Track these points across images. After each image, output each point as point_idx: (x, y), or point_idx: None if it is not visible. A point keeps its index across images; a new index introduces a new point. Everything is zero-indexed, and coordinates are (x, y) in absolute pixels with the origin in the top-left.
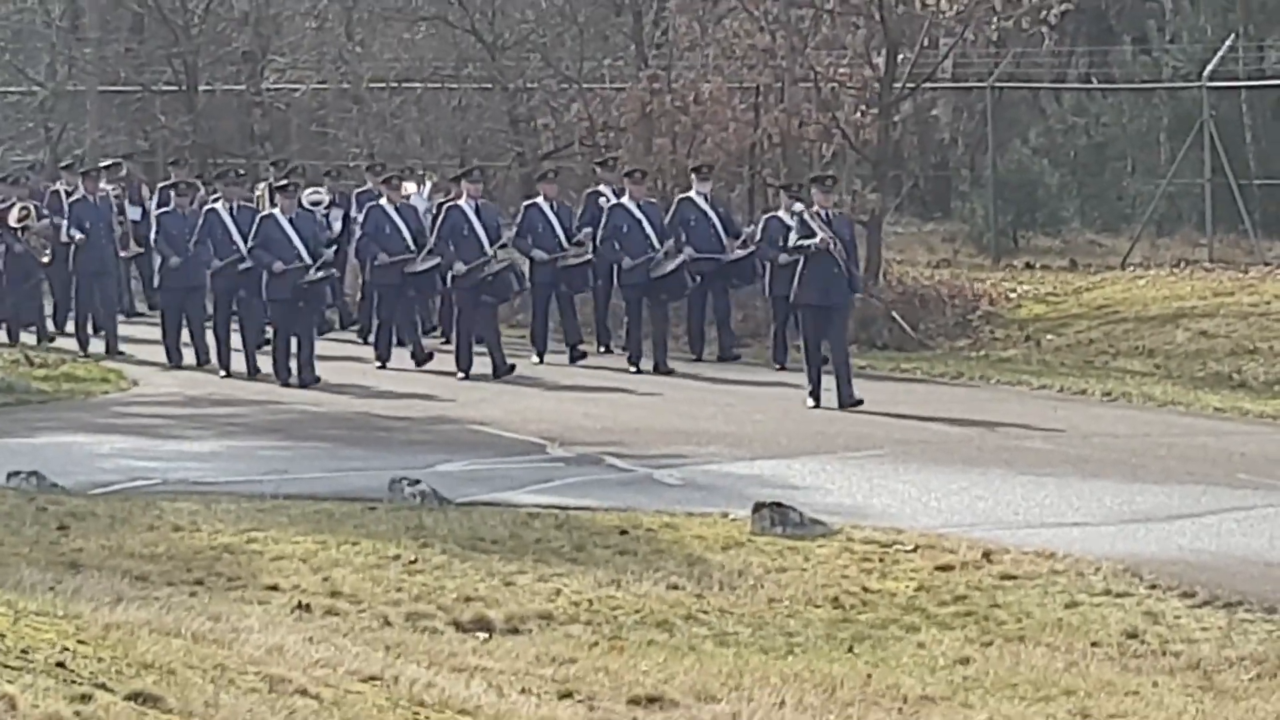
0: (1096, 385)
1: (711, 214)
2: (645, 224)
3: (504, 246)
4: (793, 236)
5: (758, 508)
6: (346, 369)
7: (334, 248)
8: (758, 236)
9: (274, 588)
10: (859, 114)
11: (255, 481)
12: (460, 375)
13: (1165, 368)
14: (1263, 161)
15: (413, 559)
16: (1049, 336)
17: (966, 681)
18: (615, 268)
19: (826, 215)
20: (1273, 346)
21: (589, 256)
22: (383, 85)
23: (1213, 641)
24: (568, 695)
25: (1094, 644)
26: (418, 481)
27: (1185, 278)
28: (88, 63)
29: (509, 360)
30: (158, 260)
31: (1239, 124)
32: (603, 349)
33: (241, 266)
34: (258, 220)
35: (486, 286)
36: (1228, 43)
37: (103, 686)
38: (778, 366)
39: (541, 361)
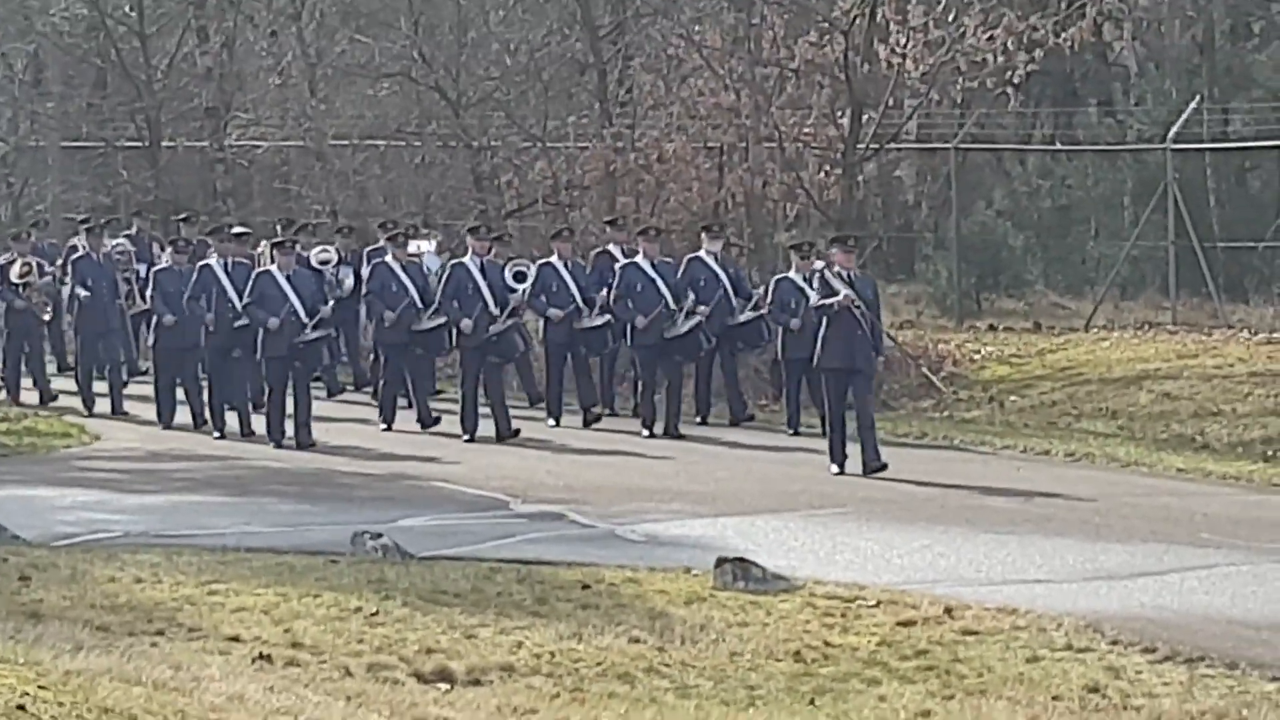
0: (1060, 446)
1: (721, 274)
2: (659, 283)
3: (514, 311)
4: (814, 297)
5: (720, 563)
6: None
7: (330, 305)
8: (768, 299)
9: (235, 639)
10: (823, 174)
11: (217, 535)
12: (465, 438)
13: (1129, 429)
14: (1226, 225)
15: (374, 611)
16: (1012, 398)
17: None
18: (628, 328)
19: (849, 275)
20: (1236, 408)
21: (608, 318)
22: (346, 142)
23: (1174, 696)
24: None
25: (1055, 698)
26: (380, 535)
27: (1149, 340)
28: (50, 118)
29: (514, 424)
30: (153, 318)
31: (1203, 187)
32: (608, 411)
33: (237, 325)
34: (254, 277)
35: (491, 346)
36: (1192, 106)
37: None
38: (792, 432)
39: (558, 424)
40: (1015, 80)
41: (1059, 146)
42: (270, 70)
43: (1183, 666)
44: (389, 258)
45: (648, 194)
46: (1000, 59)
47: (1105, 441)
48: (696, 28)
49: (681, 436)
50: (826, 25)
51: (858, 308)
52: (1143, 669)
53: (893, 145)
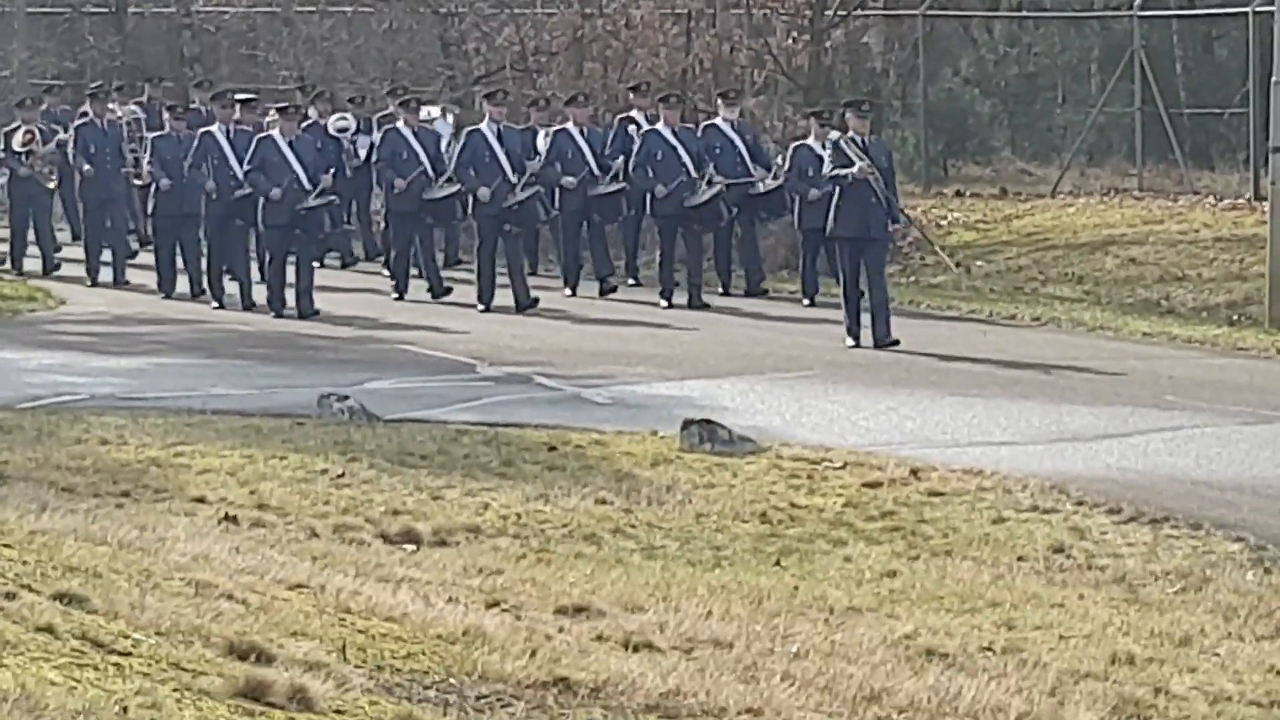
0: (1026, 311)
1: (738, 141)
2: (680, 151)
3: (532, 177)
4: (828, 166)
5: (686, 425)
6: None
7: (335, 172)
8: (786, 167)
9: (201, 500)
10: (790, 40)
11: (183, 397)
12: (481, 308)
13: (1094, 294)
14: (1193, 92)
15: (340, 473)
16: (979, 263)
17: (893, 594)
18: (648, 196)
19: (863, 142)
20: (1201, 274)
21: (623, 185)
22: (313, 9)
23: (1138, 556)
24: (494, 605)
25: (1020, 558)
26: (346, 398)
27: (1115, 205)
28: None
29: (532, 293)
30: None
31: (1169, 55)
32: (632, 281)
33: (238, 194)
34: (255, 143)
35: (511, 215)
36: None
37: (27, 587)
38: (807, 302)
39: (574, 294)
40: None
41: (1026, 13)
42: None
43: (1147, 527)
44: (400, 124)
45: (615, 60)
46: None
47: (1071, 306)
48: None
49: (706, 306)
50: None
51: (873, 175)
52: (1107, 529)
53: (860, 12)
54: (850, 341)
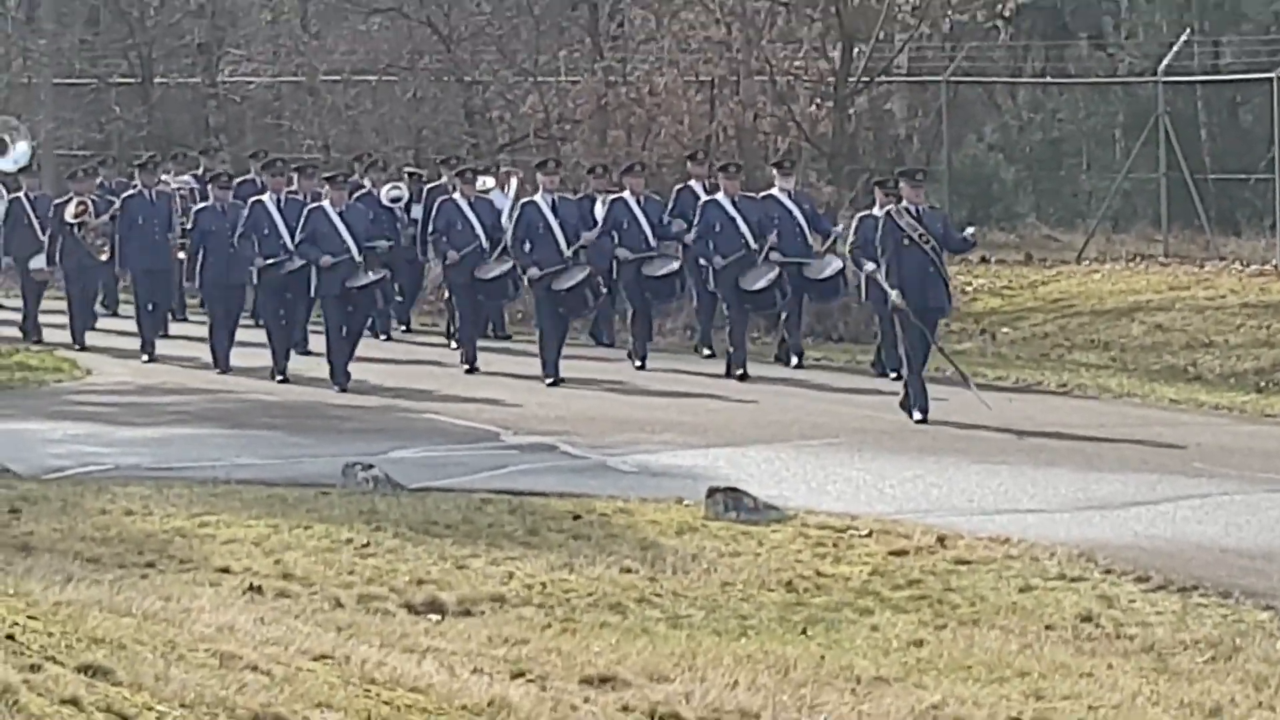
0: (1052, 377)
1: (796, 211)
2: (740, 222)
3: (583, 248)
4: (878, 239)
5: (712, 493)
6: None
7: (389, 243)
8: (849, 238)
9: (226, 570)
10: (814, 107)
11: (208, 467)
12: (549, 381)
13: (1121, 360)
14: (1217, 157)
15: (365, 543)
16: (1004, 329)
17: (920, 663)
18: (709, 268)
19: (917, 211)
20: (1227, 339)
21: (676, 266)
22: (338, 78)
23: (1167, 625)
24: (520, 675)
25: (1048, 627)
26: (371, 466)
27: (1141, 272)
28: (43, 55)
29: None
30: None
31: (1194, 120)
32: (708, 353)
33: (289, 267)
34: (306, 213)
35: (561, 299)
36: (1183, 38)
37: (52, 659)
38: (895, 375)
39: (643, 367)
40: (1006, 13)
41: (1050, 80)
42: (262, 6)
43: (1176, 595)
44: (456, 195)
45: (639, 128)
46: None
47: (1098, 373)
48: None
49: (746, 376)
50: None
51: (929, 246)
52: (1136, 598)
53: (884, 79)
54: (917, 415)
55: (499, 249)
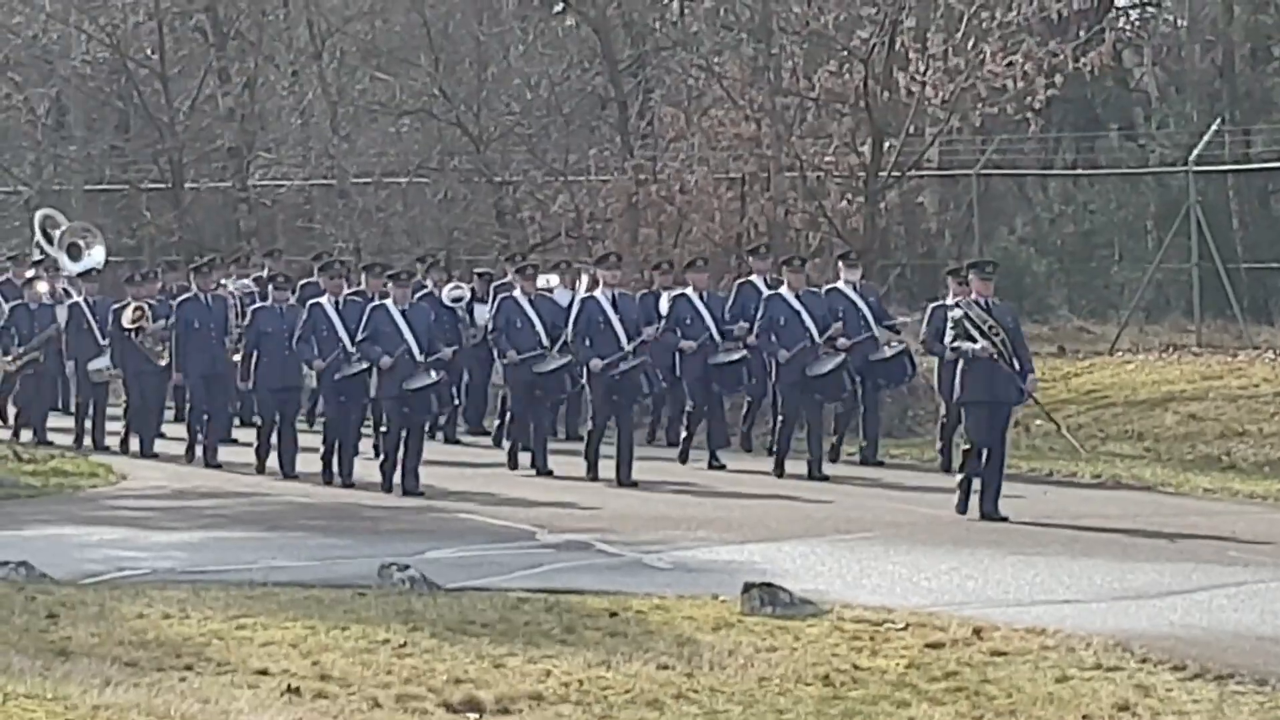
0: (1086, 469)
1: (861, 304)
2: (804, 316)
3: (643, 343)
4: (949, 336)
5: (747, 588)
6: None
7: (455, 350)
8: (922, 328)
9: (264, 672)
10: (845, 202)
11: (243, 569)
12: (590, 476)
13: (1155, 450)
14: (1249, 246)
15: (402, 643)
16: (1038, 422)
17: None
18: (771, 362)
19: (986, 304)
20: (1261, 428)
21: (743, 352)
22: (368, 179)
23: (1204, 714)
24: None
25: (1085, 717)
26: (407, 567)
27: (1174, 362)
28: (73, 161)
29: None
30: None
31: (1225, 210)
32: (746, 449)
33: (350, 372)
34: (368, 312)
35: (615, 386)
36: (1213, 128)
37: None
38: (960, 476)
39: (715, 464)
40: (1036, 106)
41: (1081, 171)
42: (292, 110)
43: (1213, 684)
44: (517, 292)
45: (670, 225)
46: (1020, 85)
47: (1131, 464)
48: (716, 59)
49: (826, 478)
50: (846, 54)
51: (994, 352)
52: (1173, 687)
53: (914, 173)
54: (961, 509)
55: (560, 343)
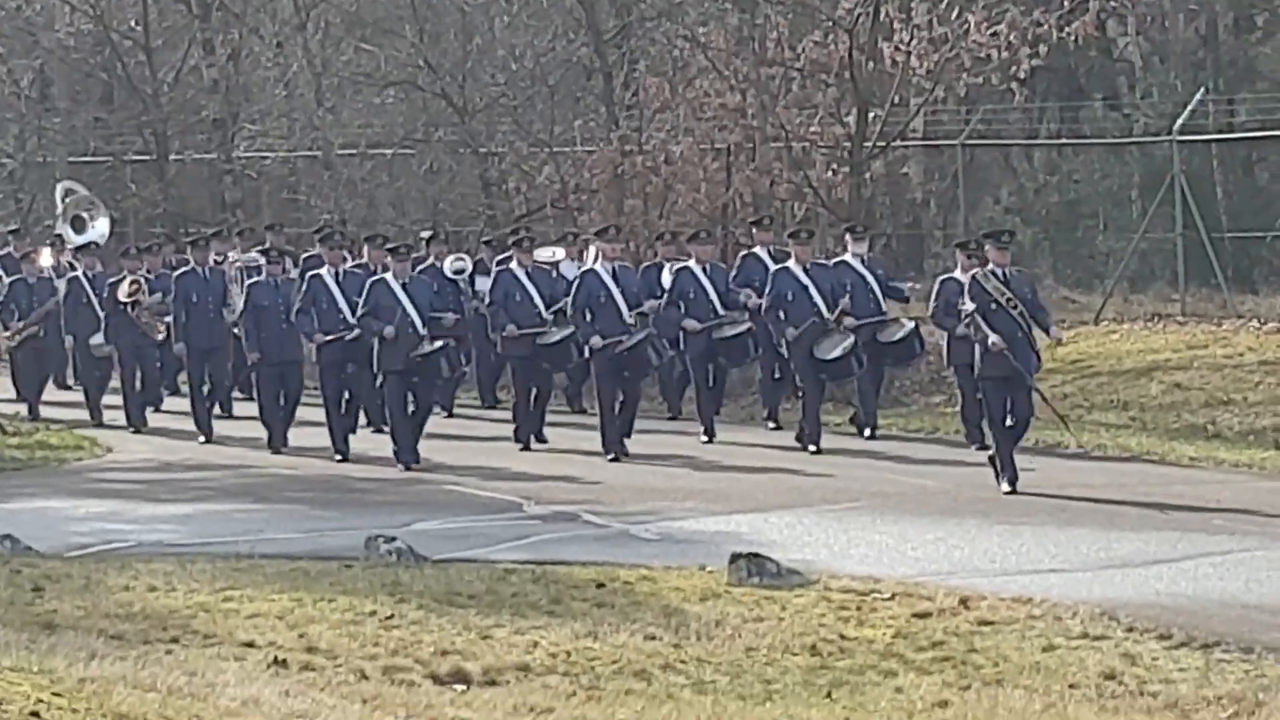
0: (1071, 438)
1: (869, 277)
2: (812, 290)
3: (644, 315)
4: (966, 304)
5: (734, 559)
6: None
7: (457, 317)
8: (931, 301)
9: (250, 644)
10: (830, 173)
11: (230, 542)
12: (610, 456)
13: (1140, 420)
14: (1234, 215)
15: (389, 614)
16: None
17: None
18: (780, 337)
19: (1004, 275)
20: (1246, 397)
21: (748, 325)
22: (353, 151)
23: (1190, 681)
24: None
25: (1072, 686)
26: (394, 539)
27: (1159, 331)
28: (57, 133)
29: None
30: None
31: (1209, 178)
32: (773, 425)
33: (349, 337)
34: (368, 285)
35: (623, 362)
36: (1197, 97)
37: None
38: (977, 448)
39: (711, 440)
40: (1020, 76)
41: (1065, 141)
42: (276, 81)
43: (1198, 652)
44: (514, 264)
45: (655, 196)
46: (1004, 55)
47: (1117, 433)
48: (701, 30)
49: (819, 451)
50: (830, 24)
51: (1017, 312)
52: (1159, 655)
53: (899, 143)
54: (1006, 487)
55: (556, 311)
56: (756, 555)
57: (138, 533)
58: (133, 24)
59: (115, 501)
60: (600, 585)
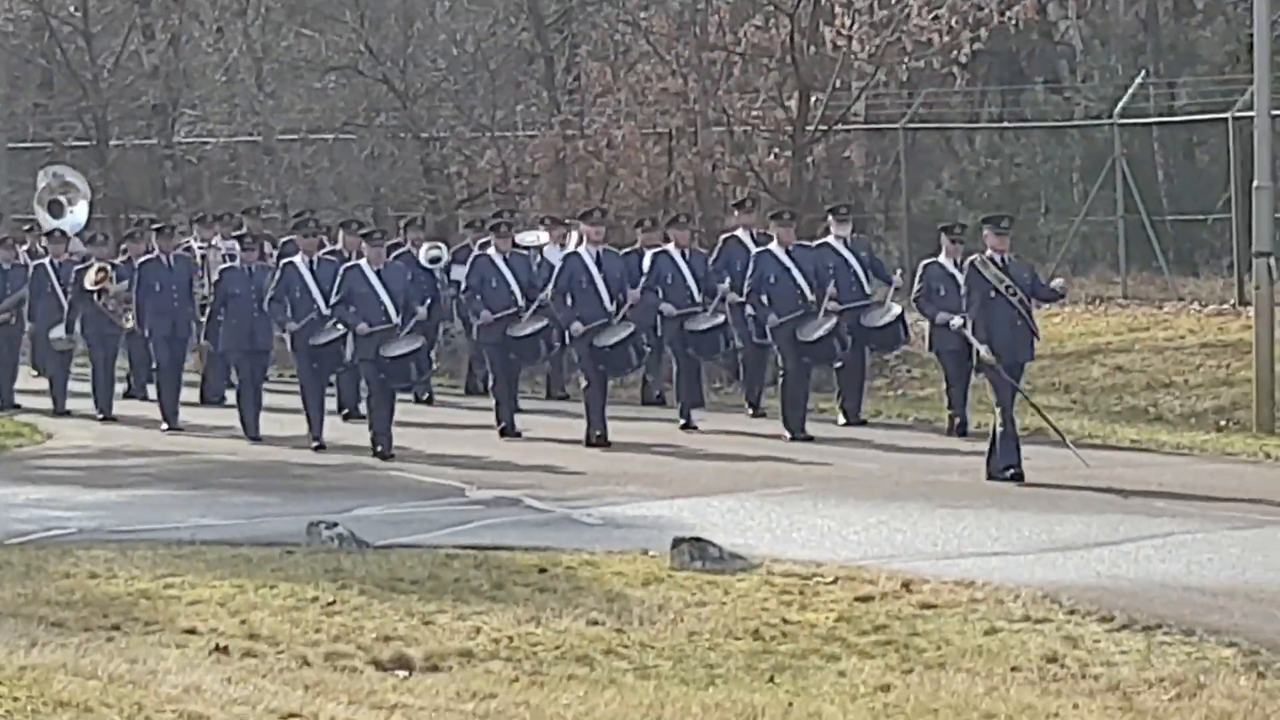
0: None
1: (853, 260)
2: (795, 273)
3: (631, 307)
4: (966, 289)
5: (677, 544)
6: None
7: (428, 303)
8: (915, 285)
9: (192, 631)
10: (772, 156)
11: (172, 528)
12: (597, 435)
13: (1082, 402)
14: (1174, 198)
15: (331, 600)
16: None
17: (887, 708)
18: (761, 323)
19: (1002, 261)
20: (1187, 380)
21: (721, 319)
22: (294, 136)
23: (1132, 664)
24: None
25: (1014, 668)
26: (335, 525)
27: (1100, 314)
28: None
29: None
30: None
31: (1150, 161)
32: (754, 412)
33: (322, 340)
34: (341, 273)
35: (603, 357)
36: (1137, 81)
37: None
38: (956, 435)
39: (689, 428)
40: (961, 60)
41: (1007, 124)
42: (217, 66)
43: (1140, 634)
44: (491, 250)
45: (597, 180)
46: (946, 39)
47: (1059, 415)
48: (642, 14)
49: (810, 439)
50: (772, 8)
51: (1017, 299)
52: (1100, 638)
53: (841, 127)
54: (1007, 473)
55: (535, 306)
56: (699, 540)
57: (78, 519)
58: (72, 9)
59: (55, 488)
60: (542, 570)
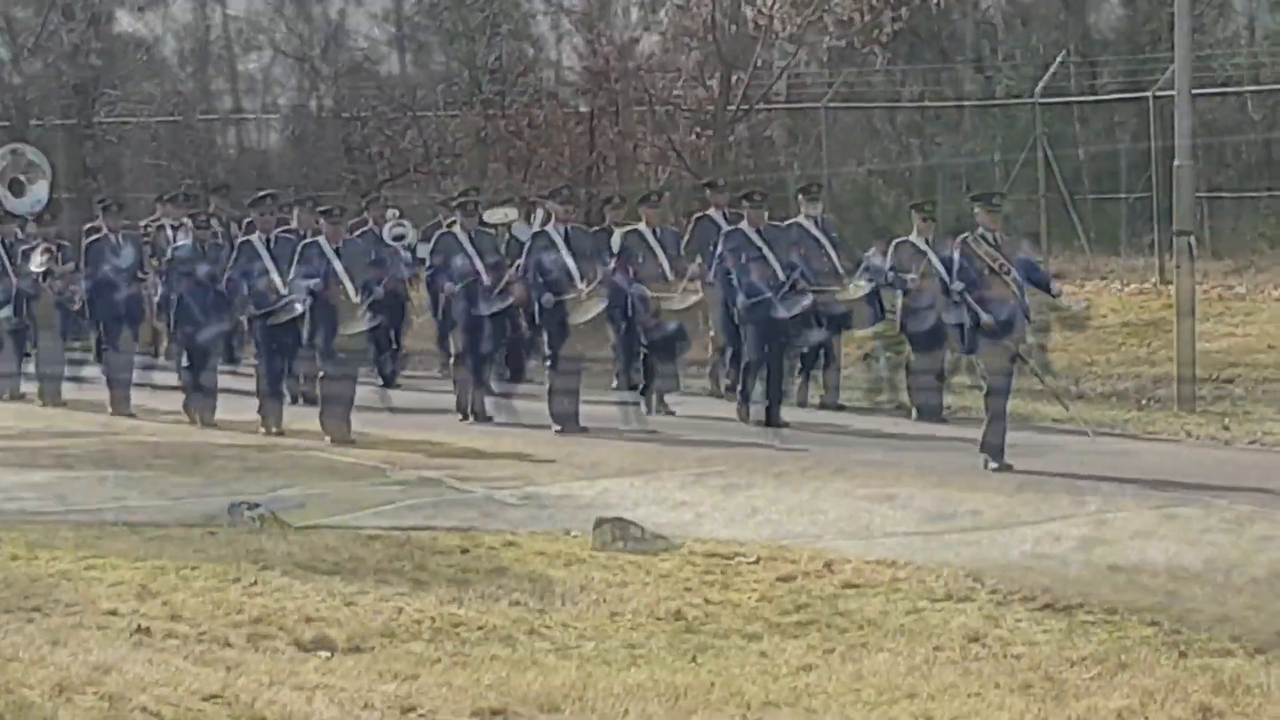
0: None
1: (823, 239)
2: (766, 253)
3: (600, 284)
4: (958, 269)
5: (599, 524)
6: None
7: (383, 282)
8: (886, 264)
9: (113, 612)
10: (694, 136)
11: (93, 510)
12: (557, 429)
13: None
14: (1095, 178)
15: (253, 581)
16: (888, 354)
17: (809, 688)
18: (732, 303)
19: (994, 239)
20: (1109, 359)
21: (698, 299)
22: (215, 117)
23: (1054, 643)
24: (410, 710)
25: (936, 648)
26: (257, 505)
27: None
28: None
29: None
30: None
31: (1072, 141)
32: (728, 391)
33: (282, 319)
34: (299, 249)
35: (576, 333)
36: (1059, 60)
37: None
38: (936, 420)
39: (649, 411)
40: (883, 39)
41: (928, 104)
42: (138, 46)
43: (1062, 613)
44: (456, 228)
45: (519, 160)
46: (867, 18)
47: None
48: None
49: (785, 425)
50: None
51: (1010, 277)
52: (1023, 617)
53: (763, 106)
54: (993, 465)
55: (502, 284)
56: (621, 520)
57: None
58: None
59: None
60: (464, 551)
